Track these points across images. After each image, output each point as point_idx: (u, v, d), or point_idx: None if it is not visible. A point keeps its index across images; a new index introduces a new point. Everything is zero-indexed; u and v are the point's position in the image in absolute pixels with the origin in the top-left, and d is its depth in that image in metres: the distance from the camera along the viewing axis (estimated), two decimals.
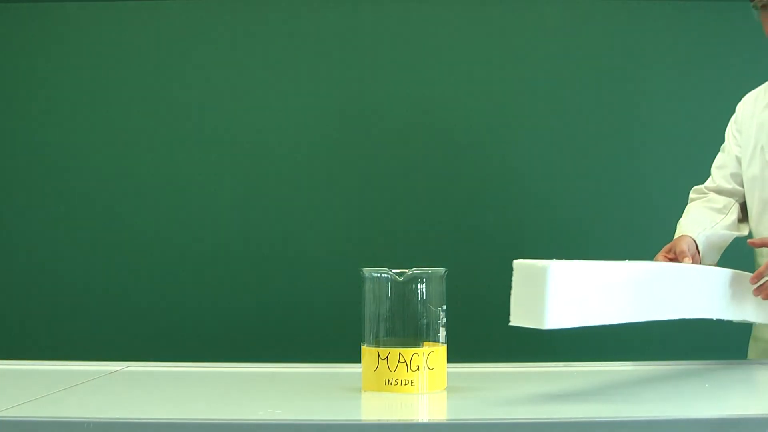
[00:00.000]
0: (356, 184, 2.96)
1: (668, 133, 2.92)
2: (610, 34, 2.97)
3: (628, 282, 1.48)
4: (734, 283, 1.71)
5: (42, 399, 1.36)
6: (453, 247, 2.93)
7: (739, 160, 2.03)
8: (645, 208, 2.89)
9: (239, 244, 2.97)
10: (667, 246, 1.87)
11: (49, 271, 2.98)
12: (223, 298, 2.94)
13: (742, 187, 2.03)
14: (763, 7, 1.83)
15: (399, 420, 1.19)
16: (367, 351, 1.42)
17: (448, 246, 2.93)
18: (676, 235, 1.95)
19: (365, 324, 1.45)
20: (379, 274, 1.44)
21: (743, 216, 2.05)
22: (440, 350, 1.42)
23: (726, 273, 1.72)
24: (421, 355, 1.38)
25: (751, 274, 1.73)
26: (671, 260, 1.81)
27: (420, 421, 1.19)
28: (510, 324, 1.34)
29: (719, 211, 2.01)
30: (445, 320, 1.45)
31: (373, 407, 1.23)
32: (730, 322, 1.75)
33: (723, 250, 1.98)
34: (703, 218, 1.98)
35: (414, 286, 1.43)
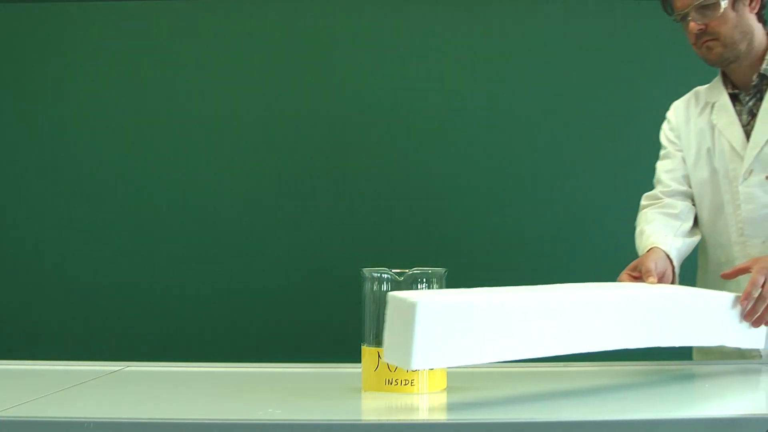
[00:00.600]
0: (356, 184, 2.96)
1: None
2: (610, 35, 2.97)
3: (527, 314, 1.33)
4: (689, 305, 1.57)
5: (42, 399, 1.36)
6: (453, 247, 2.93)
7: (685, 163, 2.04)
8: None
9: (239, 245, 2.97)
10: (633, 263, 1.81)
11: (50, 272, 2.98)
12: (223, 298, 2.94)
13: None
14: (682, 19, 1.89)
15: (399, 420, 1.19)
16: (367, 351, 1.42)
17: (448, 246, 2.93)
18: (644, 246, 1.90)
19: (365, 324, 1.45)
20: (379, 274, 1.44)
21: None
22: None
23: (672, 294, 1.57)
24: None
25: (700, 292, 1.66)
26: (636, 279, 1.75)
27: (420, 421, 1.19)
28: (384, 360, 1.27)
29: (676, 217, 1.98)
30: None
31: (373, 407, 1.23)
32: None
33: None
34: (666, 227, 1.95)
35: (414, 286, 1.43)
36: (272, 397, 1.39)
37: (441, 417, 1.24)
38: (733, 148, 1.92)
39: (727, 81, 1.98)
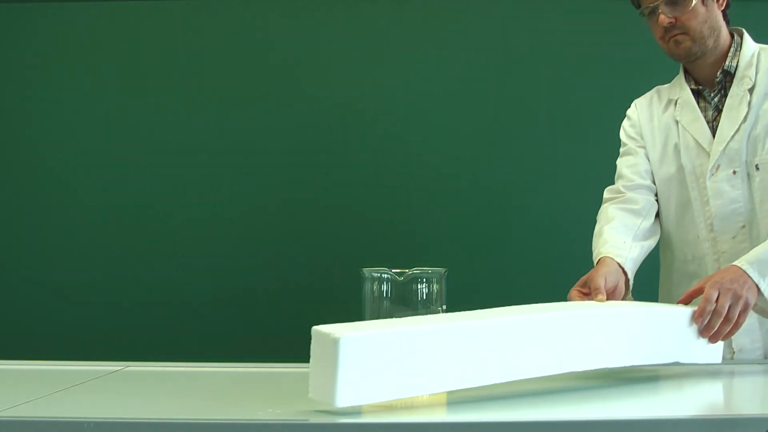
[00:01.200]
0: (356, 184, 2.96)
1: None
2: (610, 35, 2.97)
3: (458, 343, 1.27)
4: (635, 325, 1.50)
5: (42, 399, 1.36)
6: (453, 247, 2.93)
7: (647, 158, 2.02)
8: None
9: (239, 245, 2.97)
10: (583, 279, 1.76)
11: (49, 272, 2.98)
12: (222, 298, 2.95)
13: (655, 183, 2.02)
14: (650, 13, 1.89)
15: (399, 420, 1.19)
16: None
17: (448, 246, 2.93)
18: (597, 254, 1.87)
19: None
20: (379, 274, 1.44)
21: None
22: None
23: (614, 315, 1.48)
24: None
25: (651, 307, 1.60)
26: (585, 296, 1.71)
27: (420, 421, 1.19)
28: (309, 397, 1.21)
29: (638, 213, 1.96)
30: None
31: (373, 407, 1.23)
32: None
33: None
34: (625, 228, 1.91)
35: (414, 286, 1.43)
36: (273, 397, 1.39)
37: (441, 417, 1.24)
38: (698, 144, 1.92)
39: (689, 77, 1.98)
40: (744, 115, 1.87)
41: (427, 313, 1.47)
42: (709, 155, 1.90)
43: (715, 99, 1.93)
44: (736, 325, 1.61)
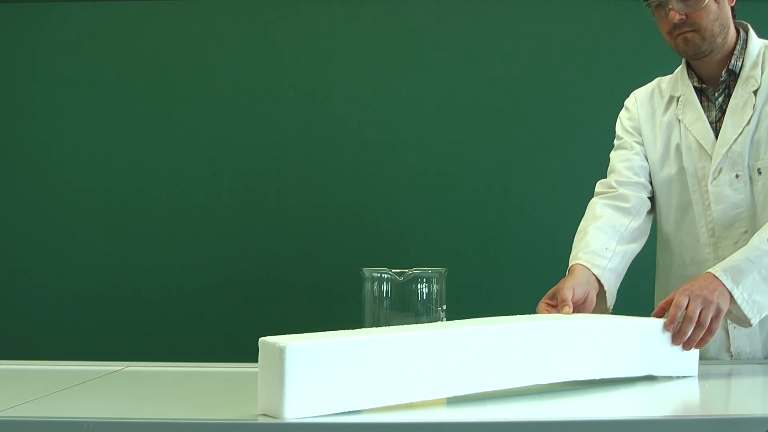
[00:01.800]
0: (356, 185, 2.96)
1: None
2: (611, 35, 2.97)
3: (412, 354, 1.22)
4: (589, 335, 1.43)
5: (42, 399, 1.36)
6: (453, 247, 2.93)
7: (644, 155, 1.96)
8: None
9: (239, 245, 2.97)
10: (551, 291, 1.70)
11: (49, 272, 2.98)
12: (222, 298, 2.95)
13: (650, 182, 1.95)
14: (658, 5, 1.81)
15: (399, 420, 1.19)
16: None
17: (448, 246, 2.93)
18: (572, 257, 1.82)
19: (365, 324, 1.45)
20: (379, 274, 1.44)
21: (652, 207, 1.95)
22: None
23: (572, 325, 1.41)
24: None
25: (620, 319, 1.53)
26: (553, 308, 1.65)
27: (420, 421, 1.19)
28: (258, 413, 1.18)
29: (627, 212, 1.89)
30: (445, 320, 1.44)
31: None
32: None
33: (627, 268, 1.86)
34: (611, 230, 1.84)
35: (414, 286, 1.43)
36: None
37: (442, 417, 1.24)
38: (701, 146, 1.85)
39: (692, 74, 1.90)
40: (749, 117, 1.80)
41: (427, 313, 1.47)
42: (711, 158, 1.83)
43: (719, 99, 1.86)
44: (709, 332, 1.55)
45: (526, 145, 2.96)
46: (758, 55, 1.85)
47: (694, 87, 1.89)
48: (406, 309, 1.45)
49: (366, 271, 1.46)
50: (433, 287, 1.45)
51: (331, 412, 1.16)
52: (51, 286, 2.98)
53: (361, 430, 1.15)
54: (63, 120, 3.02)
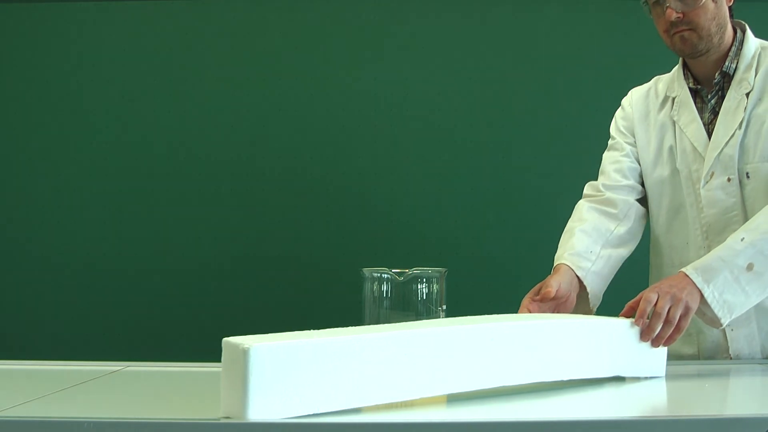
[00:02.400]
0: (356, 184, 2.96)
1: None
2: (611, 35, 2.97)
3: (378, 355, 1.20)
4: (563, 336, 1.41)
5: (42, 399, 1.36)
6: (453, 247, 2.93)
7: (634, 156, 1.96)
8: None
9: (239, 245, 2.97)
10: (537, 286, 1.71)
11: (50, 272, 2.98)
12: (223, 298, 2.95)
13: (641, 184, 1.95)
14: (655, 3, 1.80)
15: (399, 420, 1.19)
16: None
17: (448, 246, 2.93)
18: (557, 257, 1.82)
19: (365, 324, 1.45)
20: (379, 274, 1.44)
21: (646, 209, 1.95)
22: None
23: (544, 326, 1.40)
24: None
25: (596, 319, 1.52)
26: (537, 303, 1.66)
27: (420, 421, 1.19)
28: (221, 417, 1.15)
29: (614, 217, 1.89)
30: (450, 319, 1.44)
31: (378, 407, 1.23)
32: None
33: (615, 272, 1.86)
34: (595, 234, 1.85)
35: (414, 286, 1.43)
36: None
37: (441, 417, 1.24)
38: (695, 148, 1.84)
39: (688, 74, 1.89)
40: (740, 120, 1.79)
41: (427, 313, 1.47)
42: (704, 160, 1.82)
43: (713, 101, 1.85)
44: (677, 329, 1.53)
45: (526, 144, 2.96)
46: (753, 57, 1.83)
47: (690, 88, 1.88)
48: (406, 309, 1.45)
49: (366, 271, 1.46)
50: (433, 287, 1.45)
51: (297, 415, 1.14)
52: (51, 285, 2.98)
53: (360, 430, 1.15)
54: (62, 120, 3.02)
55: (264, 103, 3.00)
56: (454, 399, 1.29)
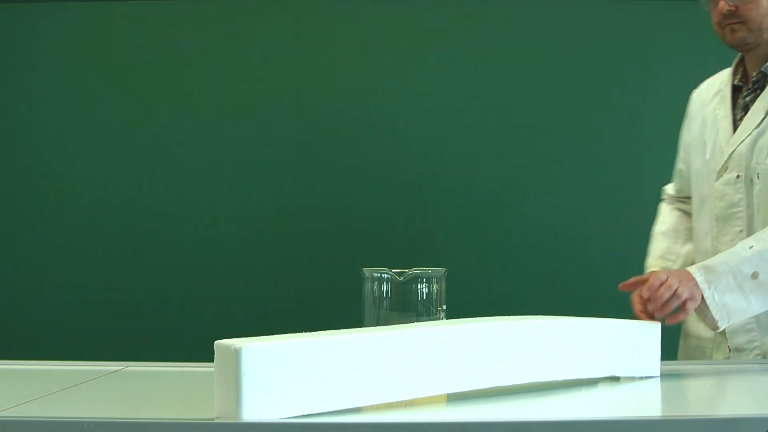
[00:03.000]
0: (356, 185, 2.96)
1: (673, 136, 2.92)
2: (612, 35, 2.97)
3: (371, 356, 1.20)
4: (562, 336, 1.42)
5: (42, 399, 1.36)
6: (453, 247, 2.93)
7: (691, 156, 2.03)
8: (649, 210, 2.89)
9: (240, 245, 2.97)
10: (638, 279, 1.73)
11: (49, 272, 2.98)
12: (223, 298, 2.95)
13: None
14: None
15: (399, 420, 1.19)
16: None
17: (448, 246, 2.93)
18: (647, 266, 1.92)
19: (365, 324, 1.45)
20: (379, 274, 1.44)
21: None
22: None
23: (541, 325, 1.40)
24: None
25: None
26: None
27: (420, 420, 1.19)
28: (214, 419, 1.16)
29: (689, 213, 2.01)
30: (445, 320, 1.44)
31: (373, 407, 1.23)
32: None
33: None
34: (675, 234, 1.99)
35: (414, 286, 1.43)
36: None
37: (441, 417, 1.24)
38: (720, 143, 1.90)
39: (740, 69, 1.92)
40: (760, 120, 1.82)
41: (427, 313, 1.47)
42: (723, 154, 1.88)
43: (747, 98, 1.88)
44: (683, 309, 1.58)
45: (526, 145, 2.96)
46: None
47: (734, 85, 1.92)
48: (406, 309, 1.45)
49: (366, 271, 1.46)
50: (433, 287, 1.45)
51: (292, 415, 1.14)
52: (51, 286, 2.98)
53: (360, 430, 1.15)
54: (62, 120, 3.02)
55: (264, 102, 3.00)
56: (449, 399, 1.29)
